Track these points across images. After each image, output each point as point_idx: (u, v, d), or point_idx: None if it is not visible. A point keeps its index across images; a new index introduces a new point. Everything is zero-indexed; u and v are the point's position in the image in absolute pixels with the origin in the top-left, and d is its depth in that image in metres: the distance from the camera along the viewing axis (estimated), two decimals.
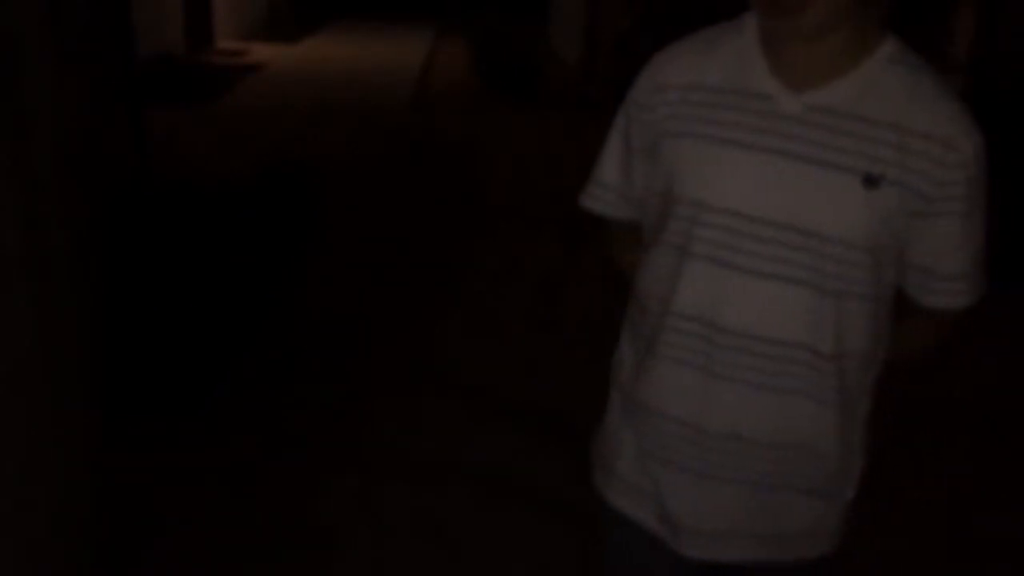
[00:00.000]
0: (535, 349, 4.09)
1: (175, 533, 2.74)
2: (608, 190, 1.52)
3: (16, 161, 1.63)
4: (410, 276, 4.90)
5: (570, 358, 4.02)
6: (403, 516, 2.89)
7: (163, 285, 4.25)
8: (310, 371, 3.79)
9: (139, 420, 3.23)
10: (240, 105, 8.99)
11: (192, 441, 3.22)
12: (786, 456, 1.34)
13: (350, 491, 2.99)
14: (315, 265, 4.99)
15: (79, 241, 1.91)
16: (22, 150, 1.64)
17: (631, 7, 9.00)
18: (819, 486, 1.37)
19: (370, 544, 2.75)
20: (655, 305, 1.38)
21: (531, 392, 3.69)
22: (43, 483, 1.83)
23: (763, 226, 1.26)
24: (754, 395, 1.30)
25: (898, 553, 2.76)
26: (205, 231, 4.95)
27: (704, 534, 1.39)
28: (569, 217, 6.11)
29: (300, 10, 15.41)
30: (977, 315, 1.40)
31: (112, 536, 2.35)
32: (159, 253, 4.50)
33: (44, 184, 1.72)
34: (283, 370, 3.79)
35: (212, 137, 7.66)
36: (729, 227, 1.28)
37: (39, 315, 1.74)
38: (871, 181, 1.22)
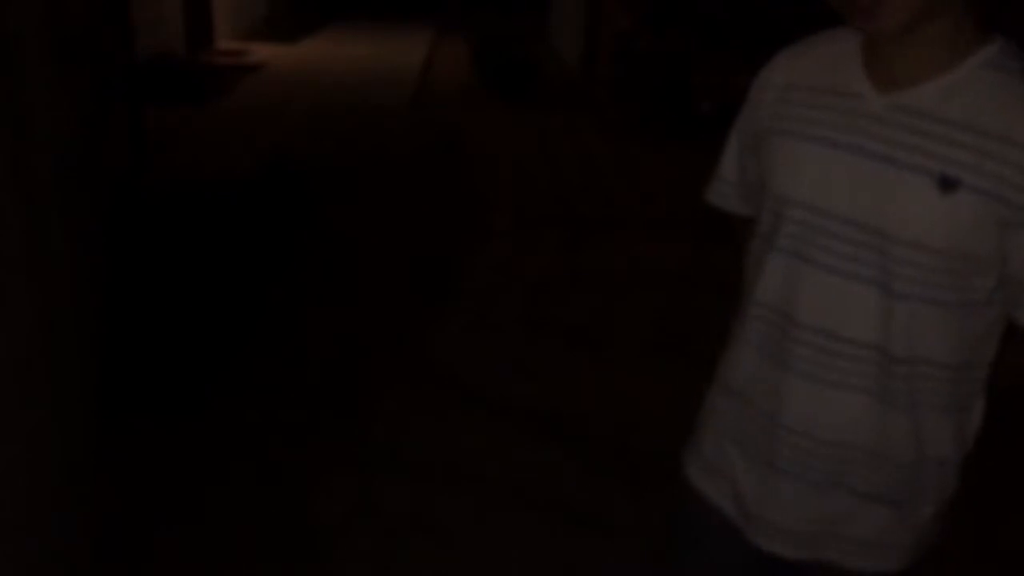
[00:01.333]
0: (534, 349, 4.09)
1: (175, 532, 2.74)
2: (727, 185, 1.56)
3: (16, 161, 1.63)
4: (409, 276, 4.90)
5: (569, 358, 4.02)
6: (403, 516, 2.89)
7: (163, 285, 4.26)
8: (310, 371, 3.79)
9: (139, 419, 3.23)
10: (240, 105, 8.99)
11: (192, 441, 3.22)
12: (849, 457, 1.33)
13: (350, 491, 2.99)
14: (314, 265, 4.99)
15: (79, 241, 1.91)
16: (22, 150, 1.64)
17: (631, 7, 8.99)
18: (884, 494, 1.35)
19: (370, 544, 2.75)
20: (747, 294, 1.43)
21: (531, 392, 3.69)
22: (43, 482, 1.83)
23: (836, 222, 1.28)
24: (823, 391, 1.31)
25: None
26: (205, 231, 4.95)
27: (770, 525, 1.41)
28: (568, 216, 6.13)
29: (300, 10, 15.41)
30: None
31: (112, 535, 2.35)
32: (159, 253, 4.50)
33: (44, 184, 1.72)
34: (283, 370, 3.79)
35: (212, 137, 7.67)
36: (806, 222, 1.31)
37: (39, 315, 1.74)
38: (947, 184, 1.20)
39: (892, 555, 1.40)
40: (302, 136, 7.89)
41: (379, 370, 3.82)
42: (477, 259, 5.20)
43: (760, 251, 1.40)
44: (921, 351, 1.28)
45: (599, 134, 8.48)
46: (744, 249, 1.55)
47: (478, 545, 2.76)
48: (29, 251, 1.69)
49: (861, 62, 1.30)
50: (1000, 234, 1.22)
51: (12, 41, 1.60)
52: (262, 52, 12.11)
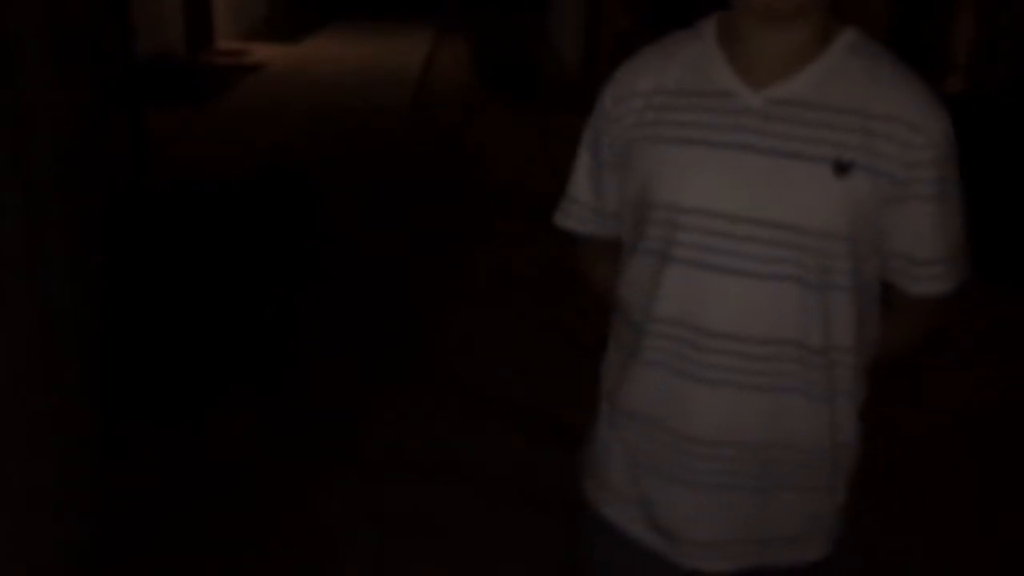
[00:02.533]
0: (535, 349, 4.09)
1: (175, 532, 2.73)
2: (580, 206, 1.48)
3: (16, 161, 1.63)
4: (409, 275, 4.91)
5: (569, 358, 4.01)
6: (403, 516, 2.89)
7: (163, 285, 4.26)
8: (310, 371, 3.79)
9: (139, 419, 3.23)
10: (240, 105, 8.99)
11: (192, 440, 3.22)
12: (780, 457, 1.32)
13: (350, 491, 2.99)
14: (315, 265, 4.99)
15: (79, 241, 1.91)
16: (22, 150, 1.64)
17: (631, 7, 9.00)
18: (813, 486, 1.36)
19: (370, 544, 2.75)
20: (637, 314, 1.36)
21: (531, 392, 3.69)
22: (44, 482, 1.83)
23: (738, 223, 1.25)
24: (743, 397, 1.29)
25: (912, 551, 2.76)
26: (205, 231, 4.95)
27: (700, 544, 1.37)
28: None
29: (300, 10, 15.41)
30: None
31: (112, 535, 2.35)
32: (159, 253, 4.50)
33: (44, 184, 1.72)
34: (282, 370, 3.79)
35: (212, 137, 7.67)
36: (704, 228, 1.27)
37: (39, 315, 1.74)
38: (841, 168, 1.22)
39: (815, 544, 1.41)
40: (302, 136, 7.89)
41: (379, 370, 3.82)
42: (477, 259, 5.20)
43: (649, 267, 1.33)
44: (834, 339, 1.29)
45: None
46: (593, 270, 1.55)
47: (478, 545, 2.76)
48: (29, 251, 1.69)
49: (724, 60, 1.29)
50: (888, 211, 1.25)
51: (12, 41, 1.60)
52: (262, 52, 12.12)
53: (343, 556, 2.69)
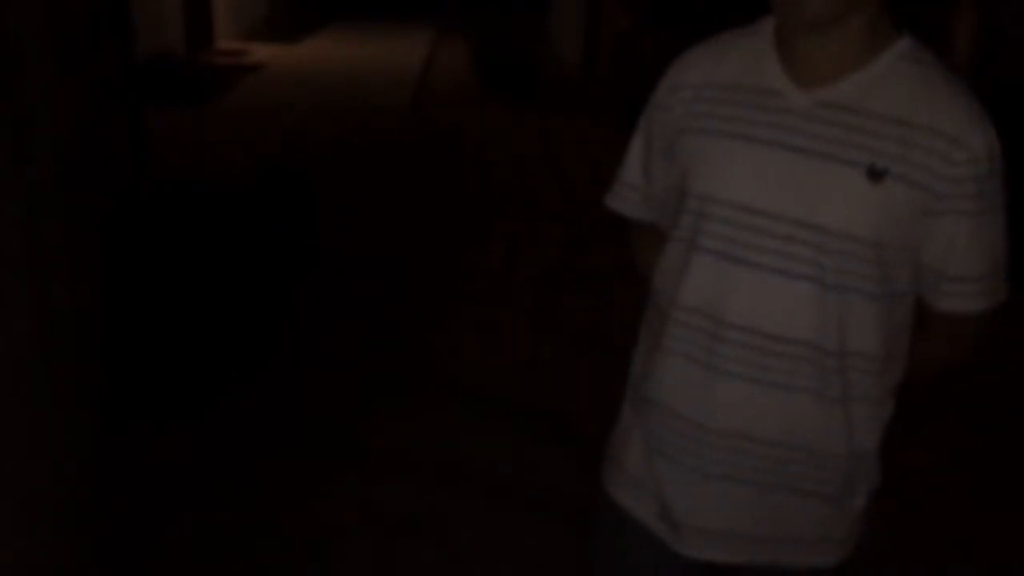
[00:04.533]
0: (535, 349, 4.09)
1: (175, 533, 2.73)
2: (631, 190, 1.53)
3: (16, 161, 1.63)
4: (410, 275, 4.91)
5: (570, 358, 4.02)
6: (403, 516, 2.89)
7: (163, 285, 4.25)
8: (310, 371, 3.79)
9: (139, 420, 3.23)
10: (240, 105, 8.99)
11: (192, 441, 3.22)
12: (790, 457, 1.33)
13: (350, 491, 2.99)
14: (315, 265, 4.99)
15: (79, 241, 1.91)
16: (22, 150, 1.64)
17: (631, 7, 9.00)
18: (824, 491, 1.36)
19: (370, 544, 2.75)
20: (663, 300, 1.40)
21: (531, 392, 3.69)
22: (44, 482, 1.83)
23: (765, 219, 1.27)
24: (757, 392, 1.30)
25: (913, 552, 2.76)
26: (205, 231, 4.94)
27: (704, 533, 1.38)
28: (569, 216, 6.13)
29: (300, 10, 15.41)
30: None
31: (113, 535, 2.35)
32: (159, 253, 4.50)
33: (44, 184, 1.72)
34: (283, 370, 3.79)
35: (212, 137, 7.67)
36: (733, 220, 1.29)
37: (39, 315, 1.74)
38: (875, 174, 1.22)
39: (827, 549, 1.41)
40: (302, 136, 7.89)
41: (379, 370, 3.82)
42: (477, 259, 5.20)
43: (680, 254, 1.37)
44: (852, 344, 1.29)
45: (599, 134, 8.48)
46: (642, 254, 1.55)
47: (478, 545, 2.76)
48: (29, 251, 1.69)
49: (776, 58, 1.31)
50: (923, 224, 1.25)
51: (12, 41, 1.60)
52: (262, 52, 12.12)
53: (343, 556, 2.69)
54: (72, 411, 1.93)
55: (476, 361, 3.96)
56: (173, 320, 4.01)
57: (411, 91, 10.21)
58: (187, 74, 9.08)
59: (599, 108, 9.42)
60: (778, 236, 1.26)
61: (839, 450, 1.33)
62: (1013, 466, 3.33)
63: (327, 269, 4.95)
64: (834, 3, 1.20)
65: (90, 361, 1.99)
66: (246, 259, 4.75)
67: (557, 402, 3.60)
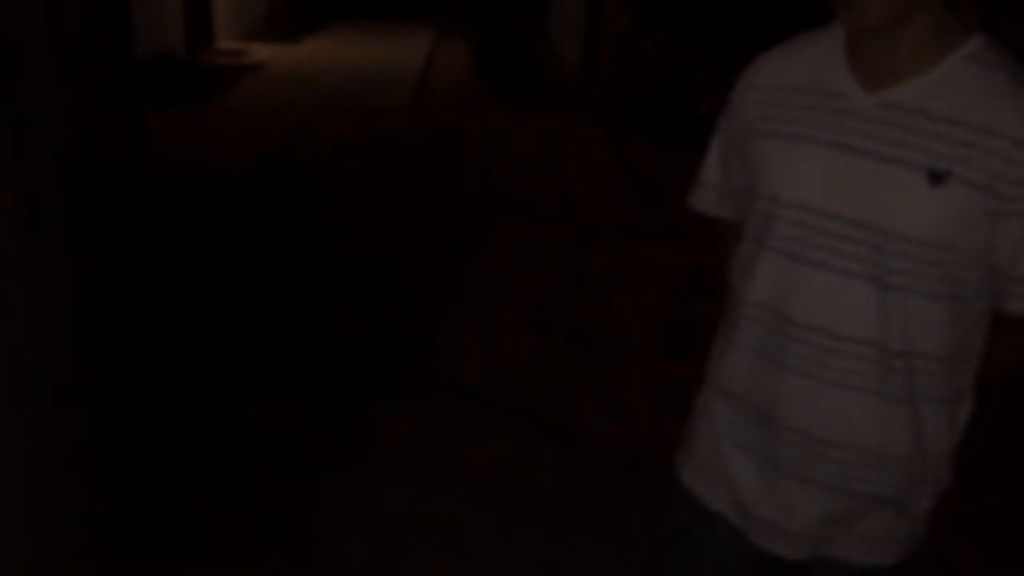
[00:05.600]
0: (535, 349, 4.09)
1: (175, 532, 2.73)
2: (710, 189, 1.56)
3: (16, 161, 1.63)
4: (410, 276, 4.90)
5: (570, 358, 4.02)
6: (403, 516, 2.88)
7: (163, 285, 4.25)
8: (310, 371, 3.79)
9: (139, 420, 3.23)
10: (240, 105, 8.99)
11: (192, 441, 3.22)
12: (853, 458, 1.33)
13: (350, 491, 2.99)
14: (315, 264, 4.99)
15: (79, 241, 1.91)
16: (22, 151, 1.64)
17: (631, 7, 9.00)
18: (889, 493, 1.36)
19: (370, 544, 2.75)
20: (736, 297, 1.43)
21: (531, 392, 3.69)
22: (44, 482, 1.83)
23: (829, 220, 1.29)
24: (821, 389, 1.32)
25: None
26: (205, 231, 4.94)
27: (771, 526, 1.40)
28: (569, 217, 6.12)
29: (300, 10, 15.41)
30: None
31: (113, 535, 2.35)
32: (159, 253, 4.50)
33: (44, 184, 1.72)
34: (283, 370, 3.79)
35: (212, 137, 7.66)
36: (798, 220, 1.32)
37: (39, 315, 1.74)
38: (936, 177, 1.22)
39: (892, 549, 1.41)
40: (302, 136, 7.89)
41: (380, 370, 3.82)
42: (477, 259, 5.20)
43: (750, 252, 1.40)
44: (917, 345, 1.29)
45: (599, 134, 8.48)
46: (728, 253, 1.56)
47: (478, 545, 2.76)
48: (29, 251, 1.69)
49: (845, 62, 1.32)
50: (988, 226, 1.24)
51: (12, 41, 1.60)
52: (262, 52, 12.11)
53: (343, 557, 2.69)
54: (72, 411, 1.93)
55: (476, 361, 3.96)
56: (173, 320, 4.01)
57: (411, 91, 10.21)
58: (187, 74, 9.08)
59: (599, 108, 9.41)
60: (839, 236, 1.28)
61: (905, 452, 1.34)
62: (1013, 462, 3.32)
63: (327, 269, 4.95)
64: (890, 8, 1.21)
65: (90, 361, 2.00)
66: (246, 259, 4.75)
67: (557, 402, 3.60)
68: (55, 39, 1.74)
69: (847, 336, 1.29)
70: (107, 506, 2.20)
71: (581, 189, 6.76)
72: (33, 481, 1.77)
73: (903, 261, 1.25)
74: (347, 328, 4.21)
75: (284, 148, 7.36)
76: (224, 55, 11.63)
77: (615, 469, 3.15)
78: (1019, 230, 1.24)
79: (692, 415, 1.56)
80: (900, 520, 1.39)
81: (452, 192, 6.54)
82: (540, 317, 4.45)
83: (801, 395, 1.33)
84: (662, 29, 8.33)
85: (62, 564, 1.94)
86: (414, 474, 3.11)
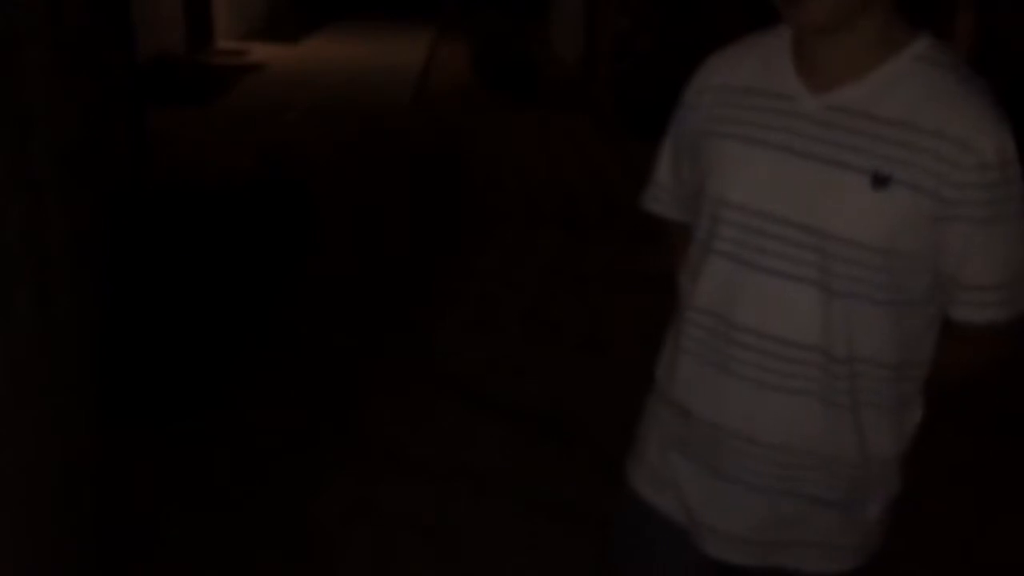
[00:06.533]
0: (534, 349, 4.09)
1: (174, 534, 2.73)
2: (662, 190, 1.55)
3: (16, 161, 1.63)
4: (409, 276, 4.90)
5: (569, 358, 4.02)
6: (403, 516, 2.89)
7: (163, 285, 4.25)
8: (310, 371, 3.79)
9: (139, 421, 3.23)
10: (240, 105, 8.99)
11: (192, 441, 3.22)
12: (798, 462, 1.32)
13: (350, 491, 2.99)
14: (315, 265, 4.99)
15: (79, 241, 1.91)
16: (22, 151, 1.64)
17: (631, 7, 8.99)
18: (833, 497, 1.35)
19: (370, 544, 2.75)
20: (683, 301, 1.42)
21: (530, 392, 3.69)
22: (44, 484, 1.83)
23: (773, 223, 1.27)
24: (766, 395, 1.30)
25: (912, 553, 2.75)
26: (205, 231, 4.94)
27: (716, 532, 1.39)
28: (568, 217, 6.13)
29: (300, 10, 15.40)
30: None
31: (113, 537, 2.35)
32: (159, 253, 4.50)
33: (44, 184, 1.73)
34: (283, 370, 3.79)
35: (212, 137, 7.66)
36: (743, 224, 1.30)
37: (39, 315, 1.74)
38: (879, 181, 1.20)
39: (841, 556, 1.40)
40: (302, 136, 7.89)
41: (379, 370, 3.82)
42: (477, 259, 5.20)
43: (698, 256, 1.38)
44: (861, 351, 1.27)
45: (599, 134, 8.48)
46: (677, 255, 1.55)
47: (478, 545, 2.76)
48: (29, 251, 1.69)
49: (792, 62, 1.30)
50: (933, 230, 1.22)
51: (12, 41, 1.60)
52: (262, 52, 12.11)
53: (343, 556, 2.69)
54: (71, 413, 1.93)
55: (476, 361, 3.96)
56: (173, 320, 4.01)
57: (411, 91, 10.20)
58: (187, 74, 9.08)
59: (599, 108, 9.41)
60: (785, 240, 1.26)
61: (849, 457, 1.32)
62: (1004, 468, 3.32)
63: (326, 269, 4.95)
64: (834, 10, 1.18)
65: (90, 362, 2.00)
66: (246, 259, 4.75)
67: (556, 402, 3.60)
68: (55, 39, 1.74)
69: (791, 341, 1.27)
70: (107, 507, 2.20)
71: (581, 189, 6.76)
72: (33, 482, 1.77)
73: (848, 266, 1.23)
74: (346, 328, 4.21)
75: (284, 148, 7.36)
76: (224, 55, 11.63)
77: (615, 469, 3.15)
78: (965, 236, 1.22)
79: (641, 421, 1.55)
80: (848, 526, 1.37)
81: (452, 192, 6.54)
82: (540, 317, 4.45)
83: (744, 400, 1.31)
84: (662, 29, 8.32)
85: (62, 565, 1.94)
86: (413, 473, 3.11)
